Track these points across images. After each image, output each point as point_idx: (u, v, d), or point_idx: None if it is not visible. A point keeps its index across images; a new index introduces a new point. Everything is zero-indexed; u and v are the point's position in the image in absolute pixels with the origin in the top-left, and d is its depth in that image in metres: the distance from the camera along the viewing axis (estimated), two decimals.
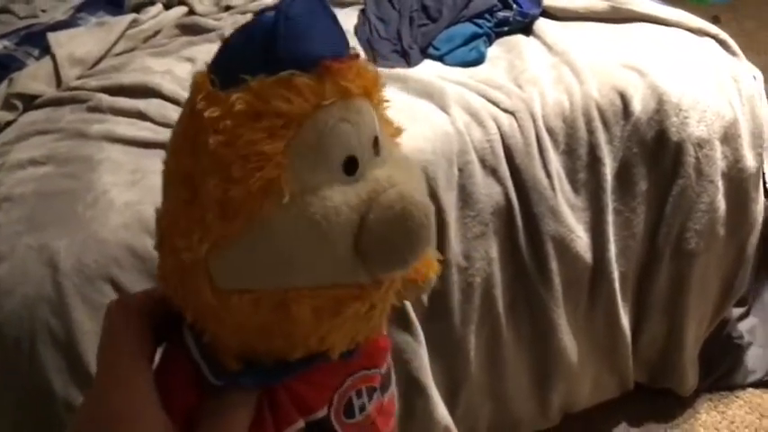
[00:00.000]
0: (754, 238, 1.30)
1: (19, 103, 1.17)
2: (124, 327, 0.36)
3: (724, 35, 1.32)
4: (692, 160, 1.17)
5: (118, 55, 1.34)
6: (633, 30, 1.32)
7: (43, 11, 1.53)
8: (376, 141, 0.34)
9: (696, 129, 1.17)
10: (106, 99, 1.14)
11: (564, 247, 1.12)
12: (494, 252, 1.09)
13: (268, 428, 0.36)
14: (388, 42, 1.31)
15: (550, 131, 1.12)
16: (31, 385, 0.85)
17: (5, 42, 1.35)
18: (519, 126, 1.10)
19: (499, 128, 1.10)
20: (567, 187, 1.14)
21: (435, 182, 1.02)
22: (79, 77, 1.25)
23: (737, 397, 1.42)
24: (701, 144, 1.17)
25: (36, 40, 1.35)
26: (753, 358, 1.43)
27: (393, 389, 0.43)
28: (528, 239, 1.11)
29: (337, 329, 0.34)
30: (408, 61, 1.26)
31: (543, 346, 1.18)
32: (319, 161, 0.32)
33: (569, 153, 1.14)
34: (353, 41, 1.31)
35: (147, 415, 0.33)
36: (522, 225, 1.10)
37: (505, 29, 1.32)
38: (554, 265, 1.12)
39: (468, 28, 1.29)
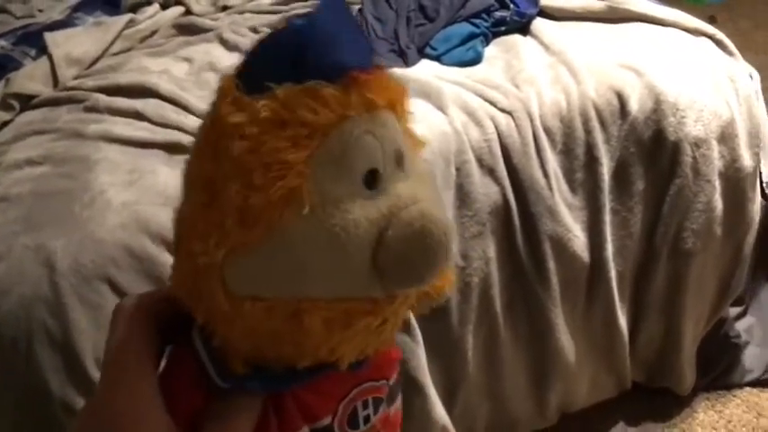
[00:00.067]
0: (750, 238, 1.30)
1: (16, 103, 1.17)
2: (130, 329, 0.35)
3: (720, 35, 1.32)
4: (689, 160, 1.17)
5: (115, 55, 1.33)
6: (630, 30, 1.32)
7: (40, 11, 1.53)
8: (399, 155, 0.34)
9: (693, 128, 1.17)
10: (103, 99, 1.14)
11: (561, 247, 1.13)
12: (491, 252, 1.09)
13: None
14: (386, 42, 1.31)
15: (548, 131, 1.12)
16: (29, 385, 0.84)
17: (2, 42, 1.35)
18: (516, 126, 1.10)
19: (496, 127, 1.10)
20: (565, 187, 1.14)
21: None
22: (76, 77, 1.24)
23: (735, 396, 1.42)
24: (698, 144, 1.17)
25: (33, 39, 1.34)
26: (750, 357, 1.44)
27: (399, 402, 0.43)
28: (525, 239, 1.11)
29: (348, 341, 0.34)
30: (405, 61, 1.26)
31: (541, 346, 1.18)
32: (342, 173, 0.32)
33: (566, 153, 1.14)
34: None
35: (151, 417, 0.33)
36: (520, 225, 1.10)
37: (502, 29, 1.31)
38: (551, 265, 1.12)
39: (465, 28, 1.29)
